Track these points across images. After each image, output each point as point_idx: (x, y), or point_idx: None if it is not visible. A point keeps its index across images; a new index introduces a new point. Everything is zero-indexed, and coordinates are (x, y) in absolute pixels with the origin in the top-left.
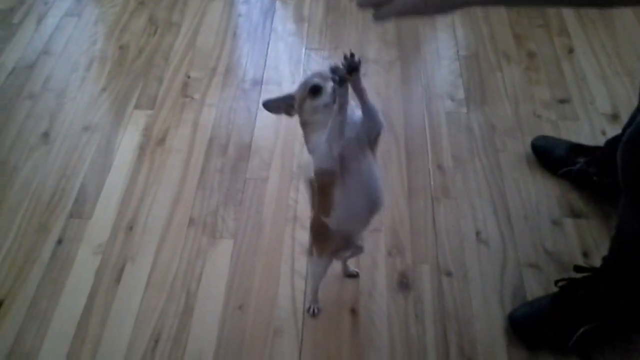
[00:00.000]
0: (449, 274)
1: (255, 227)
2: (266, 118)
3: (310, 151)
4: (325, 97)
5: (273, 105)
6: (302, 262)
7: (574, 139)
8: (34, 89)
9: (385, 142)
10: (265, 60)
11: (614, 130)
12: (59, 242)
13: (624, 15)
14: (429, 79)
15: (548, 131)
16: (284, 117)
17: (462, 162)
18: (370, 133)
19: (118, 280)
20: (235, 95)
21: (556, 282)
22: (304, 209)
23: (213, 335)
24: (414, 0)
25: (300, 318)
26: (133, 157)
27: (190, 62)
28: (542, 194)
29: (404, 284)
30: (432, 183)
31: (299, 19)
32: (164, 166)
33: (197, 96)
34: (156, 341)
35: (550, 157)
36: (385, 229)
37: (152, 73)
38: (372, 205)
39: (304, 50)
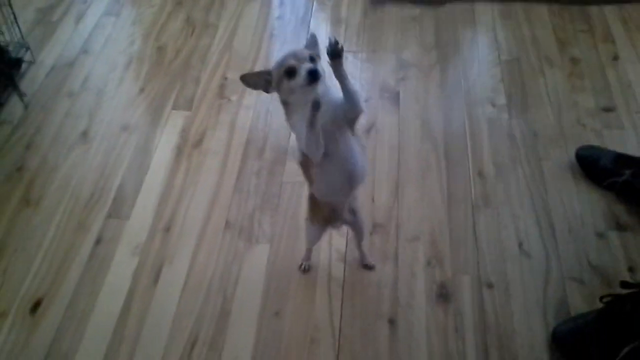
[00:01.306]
0: (490, 286)
1: (291, 232)
2: None
3: (291, 129)
4: (300, 79)
5: (250, 80)
6: (339, 270)
7: (619, 148)
8: (73, 88)
9: (424, 149)
10: None
11: None
12: (98, 241)
13: None
14: (469, 84)
15: (592, 140)
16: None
17: (503, 170)
18: (349, 114)
19: (155, 281)
20: (272, 97)
21: (601, 298)
22: None
23: (249, 341)
24: None
25: (337, 327)
26: (170, 158)
27: (227, 64)
28: (587, 205)
29: (444, 295)
30: (472, 191)
31: (336, 21)
32: (200, 168)
33: (234, 98)
34: (192, 345)
35: (595, 167)
36: (424, 237)
37: (190, 74)
38: (350, 180)
39: None
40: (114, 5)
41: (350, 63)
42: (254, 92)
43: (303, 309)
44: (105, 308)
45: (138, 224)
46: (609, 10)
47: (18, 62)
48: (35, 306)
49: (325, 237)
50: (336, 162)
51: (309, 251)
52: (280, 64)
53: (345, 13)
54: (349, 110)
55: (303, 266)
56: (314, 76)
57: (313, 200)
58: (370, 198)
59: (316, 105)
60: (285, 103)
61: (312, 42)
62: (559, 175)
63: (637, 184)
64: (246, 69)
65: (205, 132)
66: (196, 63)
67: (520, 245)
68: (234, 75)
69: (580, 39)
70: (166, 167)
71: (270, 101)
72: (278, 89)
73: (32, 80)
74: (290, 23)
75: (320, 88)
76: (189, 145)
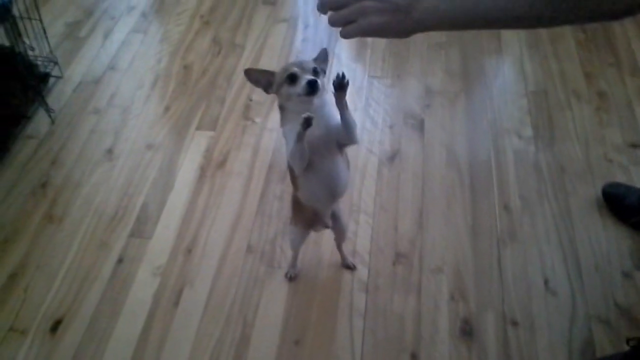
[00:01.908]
0: (514, 323)
1: (313, 259)
2: None
3: (283, 135)
4: (298, 89)
5: (254, 76)
6: (361, 300)
7: None
8: (100, 105)
9: (448, 179)
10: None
11: None
12: (120, 261)
13: None
14: (496, 114)
15: (619, 176)
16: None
17: (530, 204)
18: (342, 141)
19: (176, 303)
20: None
21: (628, 341)
22: (364, 243)
23: None
24: (377, 21)
25: (359, 359)
26: (194, 178)
27: (253, 85)
28: (613, 243)
29: (467, 331)
30: (498, 224)
31: (361, 45)
32: (223, 189)
33: (258, 120)
34: None
35: (622, 205)
36: (447, 269)
37: (215, 94)
38: (332, 194)
39: (366, 77)
40: (141, 23)
41: (374, 88)
42: (279, 114)
43: (323, 339)
44: (126, 329)
45: (160, 244)
46: (635, 43)
47: (46, 76)
48: (56, 325)
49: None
50: (320, 175)
51: (294, 257)
52: (284, 69)
53: (370, 38)
54: (344, 138)
55: (289, 274)
56: (312, 88)
57: (297, 203)
58: (393, 227)
59: (307, 123)
60: (282, 108)
61: (323, 56)
62: (586, 211)
63: None
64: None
65: (229, 153)
66: (222, 83)
67: (546, 282)
68: (258, 97)
69: (608, 73)
70: (189, 187)
71: None
72: (278, 92)
73: (59, 95)
74: (315, 46)
75: (316, 101)
76: (213, 166)
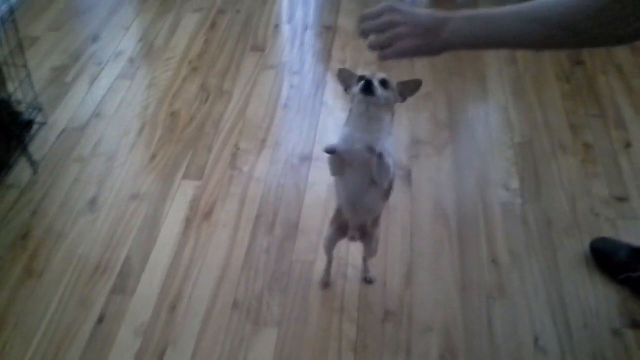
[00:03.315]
0: None
1: (300, 316)
2: (315, 197)
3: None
4: (358, 86)
5: (345, 75)
6: None
7: (634, 239)
8: (84, 153)
9: (437, 232)
10: (315, 135)
11: None
12: (100, 319)
13: None
14: (482, 166)
15: (607, 230)
16: (333, 197)
17: (518, 258)
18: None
19: None
20: (283, 170)
21: None
22: (352, 299)
23: None
24: (410, 44)
25: None
26: (179, 230)
27: (240, 133)
28: (602, 300)
29: None
30: (487, 279)
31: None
32: (209, 242)
33: (245, 169)
34: None
35: (610, 261)
36: (437, 327)
37: (202, 142)
38: (351, 204)
39: None
40: (129, 69)
41: None
42: (266, 163)
43: None
44: None
45: (143, 300)
46: (620, 95)
47: (29, 124)
48: None
49: (335, 323)
50: (344, 186)
51: (328, 262)
52: (362, 74)
53: None
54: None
55: (322, 281)
56: (366, 86)
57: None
58: (382, 283)
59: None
60: (350, 111)
61: (412, 85)
62: (574, 266)
63: None
64: (259, 139)
65: (215, 203)
66: (209, 131)
67: (536, 340)
68: (246, 145)
69: (593, 124)
70: (174, 239)
71: (282, 175)
72: (351, 93)
73: (42, 143)
74: (304, 93)
75: (372, 116)
76: (199, 218)
